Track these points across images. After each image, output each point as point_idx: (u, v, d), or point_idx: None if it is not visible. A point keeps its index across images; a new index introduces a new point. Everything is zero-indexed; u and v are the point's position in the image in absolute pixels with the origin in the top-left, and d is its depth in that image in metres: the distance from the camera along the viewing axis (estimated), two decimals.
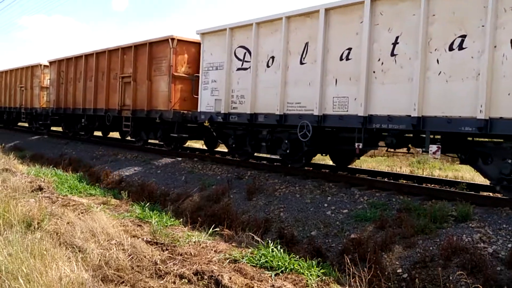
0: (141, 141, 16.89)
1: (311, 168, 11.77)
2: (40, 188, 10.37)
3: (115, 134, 23.24)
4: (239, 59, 11.58)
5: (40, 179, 11.78)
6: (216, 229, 7.56)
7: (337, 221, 7.77)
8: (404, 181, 10.12)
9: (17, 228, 6.12)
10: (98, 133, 22.29)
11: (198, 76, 13.16)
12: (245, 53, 11.43)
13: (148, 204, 9.37)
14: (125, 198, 10.05)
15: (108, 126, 18.21)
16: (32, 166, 14.61)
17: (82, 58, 19.65)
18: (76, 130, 21.70)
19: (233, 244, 6.78)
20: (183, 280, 5.13)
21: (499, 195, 8.52)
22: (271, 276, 5.46)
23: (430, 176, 11.53)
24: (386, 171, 12.10)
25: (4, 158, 14.53)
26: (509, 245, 6.01)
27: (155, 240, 6.64)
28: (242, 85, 11.48)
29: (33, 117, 26.04)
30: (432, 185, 9.60)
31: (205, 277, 5.19)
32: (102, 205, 9.32)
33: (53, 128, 25.60)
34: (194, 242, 6.67)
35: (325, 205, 8.43)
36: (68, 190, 10.97)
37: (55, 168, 14.10)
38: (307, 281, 5.39)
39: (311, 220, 8.02)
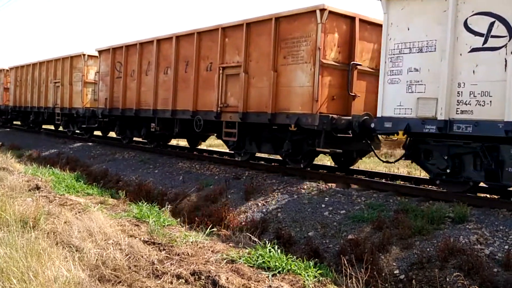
0: (247, 155, 12.51)
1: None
2: (37, 187, 10.34)
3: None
4: (477, 34, 7.44)
5: (38, 178, 11.76)
6: (214, 229, 7.56)
7: (334, 222, 7.78)
8: (402, 182, 10.12)
9: (13, 227, 6.10)
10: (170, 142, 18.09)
11: (356, 64, 10.12)
12: (493, 24, 7.25)
13: (145, 203, 9.36)
14: (123, 197, 10.04)
15: (197, 133, 13.71)
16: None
17: (152, 44, 14.82)
18: (137, 136, 17.20)
19: (230, 244, 6.79)
20: (180, 280, 5.13)
21: (495, 197, 8.55)
22: (268, 276, 5.46)
23: (427, 177, 11.52)
24: (384, 172, 12.10)
25: (1, 156, 14.49)
26: (506, 247, 6.02)
27: (152, 240, 6.63)
28: (484, 76, 7.34)
29: (71, 119, 21.54)
30: (430, 186, 9.61)
31: (202, 277, 5.19)
32: (99, 204, 9.31)
33: (96, 133, 21.74)
34: (192, 242, 6.67)
35: (323, 205, 8.43)
36: (66, 189, 10.95)
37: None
38: (304, 281, 5.40)
39: (308, 221, 8.02)
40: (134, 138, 18.31)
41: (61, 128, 24.65)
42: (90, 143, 19.62)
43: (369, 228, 7.28)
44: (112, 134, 20.39)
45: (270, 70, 10.69)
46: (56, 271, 4.53)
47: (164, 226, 7.67)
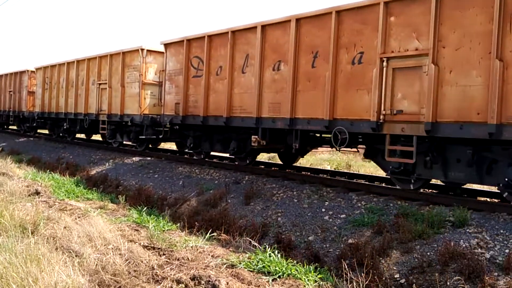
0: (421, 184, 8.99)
1: (308, 173, 11.78)
2: (37, 192, 10.32)
3: None
4: None
5: (37, 183, 11.75)
6: (214, 234, 7.55)
7: (334, 226, 7.77)
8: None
9: (13, 232, 6.09)
10: None
11: None
12: None
13: (145, 208, 9.36)
14: (122, 202, 10.03)
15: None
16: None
17: (254, 32, 11.18)
18: (221, 151, 13.41)
19: (230, 249, 6.77)
20: (180, 285, 5.11)
21: (496, 200, 8.54)
22: (269, 281, 5.44)
23: None
24: (384, 176, 12.09)
25: (1, 162, 14.49)
26: (507, 251, 6.01)
27: (152, 245, 6.61)
28: None
29: (120, 127, 17.51)
30: (430, 190, 9.60)
31: (202, 282, 5.17)
32: (99, 209, 9.29)
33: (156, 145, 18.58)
34: (191, 247, 6.65)
35: (323, 210, 8.43)
36: (65, 194, 10.94)
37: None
38: (304, 286, 5.38)
39: (308, 225, 8.01)
40: (213, 153, 14.58)
41: (91, 136, 22.95)
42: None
43: (370, 232, 7.28)
44: (170, 145, 18.72)
45: (488, 60, 7.12)
46: (55, 276, 4.52)
47: (164, 231, 7.66)
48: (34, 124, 24.91)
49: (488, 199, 8.73)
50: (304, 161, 14.92)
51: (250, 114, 11.07)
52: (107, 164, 15.54)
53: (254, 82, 11.02)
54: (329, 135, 9.42)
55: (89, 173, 14.70)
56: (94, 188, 12.52)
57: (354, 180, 10.82)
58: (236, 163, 12.96)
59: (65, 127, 21.22)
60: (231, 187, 10.54)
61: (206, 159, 14.49)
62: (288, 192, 9.70)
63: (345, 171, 12.94)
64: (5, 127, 31.64)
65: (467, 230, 6.69)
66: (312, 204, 8.75)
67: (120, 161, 15.67)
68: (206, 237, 7.28)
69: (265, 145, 11.05)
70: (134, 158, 15.78)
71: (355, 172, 12.13)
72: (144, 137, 15.68)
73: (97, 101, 18.22)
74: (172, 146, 19.85)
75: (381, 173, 13.44)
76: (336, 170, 12.68)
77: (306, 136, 10.49)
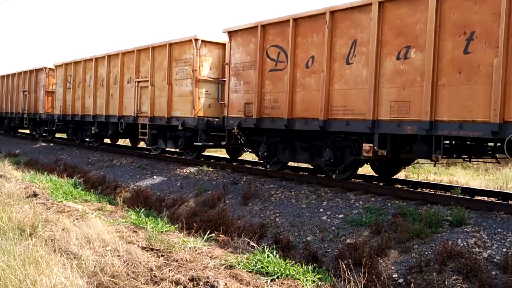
0: None
1: (306, 173, 11.79)
2: (35, 194, 10.31)
3: None
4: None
5: (35, 185, 11.74)
6: (212, 235, 7.56)
7: (332, 226, 7.78)
8: (399, 186, 10.14)
9: (11, 235, 6.08)
10: None
11: None
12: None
13: (143, 210, 9.36)
14: (121, 203, 10.03)
15: None
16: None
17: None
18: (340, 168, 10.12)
19: (228, 249, 6.78)
20: (179, 286, 5.11)
21: (493, 200, 8.57)
22: (267, 282, 5.45)
23: (425, 181, 11.58)
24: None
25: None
26: (504, 250, 6.03)
27: (150, 246, 6.62)
28: None
29: (162, 131, 15.01)
30: (427, 190, 9.63)
31: (201, 283, 5.18)
32: (97, 211, 9.29)
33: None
34: (190, 248, 6.65)
35: (321, 210, 8.44)
36: (63, 196, 10.93)
37: None
38: (302, 286, 5.39)
39: (306, 225, 8.02)
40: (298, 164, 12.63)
41: (117, 141, 20.80)
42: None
43: (368, 232, 7.29)
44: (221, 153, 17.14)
45: None
46: (54, 278, 4.52)
47: (162, 232, 7.66)
48: (54, 128, 22.58)
49: (485, 198, 8.76)
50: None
51: (361, 116, 8.88)
52: (104, 165, 15.52)
53: (366, 75, 8.79)
54: (491, 143, 7.76)
55: (87, 175, 14.68)
56: (92, 190, 12.51)
57: (352, 180, 10.82)
58: (321, 176, 10.99)
59: (93, 131, 18.66)
60: (229, 187, 10.55)
61: (202, 159, 14.46)
62: (286, 192, 9.71)
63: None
64: (17, 131, 29.48)
65: (465, 229, 6.71)
66: (310, 204, 8.76)
67: (118, 162, 15.65)
68: (205, 238, 7.29)
69: (384, 155, 8.80)
70: (130, 159, 15.80)
71: None
72: (199, 143, 13.30)
73: (135, 101, 15.71)
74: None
75: None
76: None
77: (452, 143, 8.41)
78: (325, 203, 8.72)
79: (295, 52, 10.12)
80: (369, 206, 8.16)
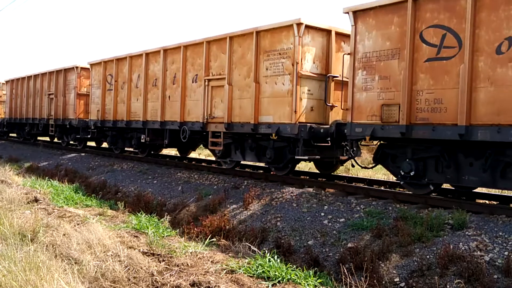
0: None
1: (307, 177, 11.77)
2: (36, 200, 10.32)
3: None
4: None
5: (36, 190, 11.74)
6: (213, 239, 7.55)
7: (334, 230, 7.77)
8: (401, 189, 10.12)
9: (12, 240, 6.08)
10: None
11: None
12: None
13: (144, 214, 9.35)
14: (122, 208, 10.03)
15: None
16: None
17: None
18: None
19: (230, 254, 6.77)
20: None
21: (495, 203, 8.56)
22: (268, 286, 5.44)
23: None
24: (383, 179, 12.10)
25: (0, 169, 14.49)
26: (506, 253, 6.01)
27: (151, 251, 6.61)
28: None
29: (239, 140, 12.34)
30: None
31: None
32: (98, 216, 9.29)
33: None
34: (191, 252, 6.65)
35: (322, 214, 8.43)
36: (64, 201, 10.93)
37: None
38: None
39: (308, 230, 8.01)
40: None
41: (160, 150, 17.80)
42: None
43: (369, 236, 7.28)
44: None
45: None
46: (55, 284, 4.52)
47: (163, 237, 7.66)
48: (88, 136, 19.26)
49: (487, 202, 8.75)
50: (303, 165, 14.93)
51: None
52: (105, 170, 15.53)
53: None
54: None
55: (88, 180, 14.69)
56: (93, 195, 12.52)
57: (353, 184, 10.82)
58: None
59: (142, 140, 15.67)
60: (230, 192, 10.54)
61: (204, 164, 14.45)
62: (287, 196, 9.70)
63: (344, 175, 12.94)
64: (37, 138, 26.26)
65: (466, 232, 6.70)
66: (311, 208, 8.76)
67: (119, 167, 15.66)
68: (206, 242, 7.29)
69: None
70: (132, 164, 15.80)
71: (353, 176, 12.13)
72: (302, 157, 10.35)
73: (204, 104, 12.74)
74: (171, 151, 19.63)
75: (379, 176, 13.46)
76: (335, 174, 12.67)
77: None
78: (326, 207, 8.71)
79: (473, 33, 7.47)
80: (370, 210, 8.16)
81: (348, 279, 5.28)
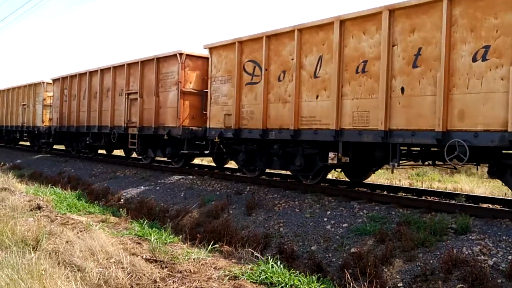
0: None
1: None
2: (39, 207, 10.32)
3: None
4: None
5: (39, 197, 11.75)
6: (216, 246, 7.54)
7: (337, 236, 7.75)
8: (403, 194, 10.11)
9: (15, 248, 6.09)
10: None
11: None
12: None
13: (146, 221, 9.35)
14: (124, 215, 10.03)
15: None
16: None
17: None
18: None
19: (232, 260, 6.75)
20: None
21: (498, 207, 8.53)
22: None
23: (429, 189, 11.52)
24: (385, 184, 12.09)
25: (3, 177, 14.50)
26: (510, 257, 5.99)
27: (154, 258, 6.60)
28: None
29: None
30: (432, 198, 9.59)
31: None
32: (101, 223, 9.29)
33: None
34: (194, 259, 6.63)
35: (325, 219, 8.41)
36: (67, 209, 10.94)
37: None
38: None
39: (310, 235, 8.00)
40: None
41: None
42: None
43: (372, 241, 7.26)
44: None
45: None
46: None
47: (166, 243, 7.65)
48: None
49: (490, 206, 8.72)
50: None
51: None
52: (108, 177, 15.55)
53: None
54: None
55: (90, 187, 14.70)
56: (95, 202, 12.53)
57: (356, 189, 10.81)
58: None
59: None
60: (232, 198, 10.54)
61: (207, 170, 14.50)
62: (289, 202, 9.69)
63: (346, 179, 12.94)
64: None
65: (470, 237, 6.67)
66: (314, 214, 8.74)
67: (122, 174, 15.68)
68: (208, 249, 7.27)
69: None
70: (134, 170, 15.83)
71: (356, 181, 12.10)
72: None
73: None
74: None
75: (381, 181, 13.44)
76: (338, 179, 12.67)
77: None
78: (329, 212, 8.70)
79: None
80: (373, 215, 8.14)
81: (351, 284, 5.26)
